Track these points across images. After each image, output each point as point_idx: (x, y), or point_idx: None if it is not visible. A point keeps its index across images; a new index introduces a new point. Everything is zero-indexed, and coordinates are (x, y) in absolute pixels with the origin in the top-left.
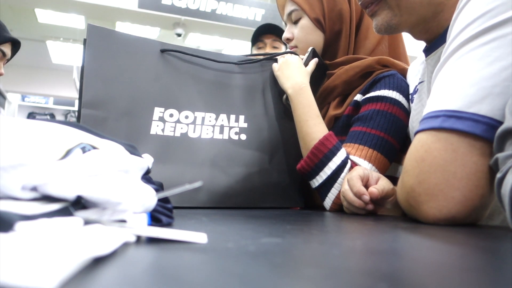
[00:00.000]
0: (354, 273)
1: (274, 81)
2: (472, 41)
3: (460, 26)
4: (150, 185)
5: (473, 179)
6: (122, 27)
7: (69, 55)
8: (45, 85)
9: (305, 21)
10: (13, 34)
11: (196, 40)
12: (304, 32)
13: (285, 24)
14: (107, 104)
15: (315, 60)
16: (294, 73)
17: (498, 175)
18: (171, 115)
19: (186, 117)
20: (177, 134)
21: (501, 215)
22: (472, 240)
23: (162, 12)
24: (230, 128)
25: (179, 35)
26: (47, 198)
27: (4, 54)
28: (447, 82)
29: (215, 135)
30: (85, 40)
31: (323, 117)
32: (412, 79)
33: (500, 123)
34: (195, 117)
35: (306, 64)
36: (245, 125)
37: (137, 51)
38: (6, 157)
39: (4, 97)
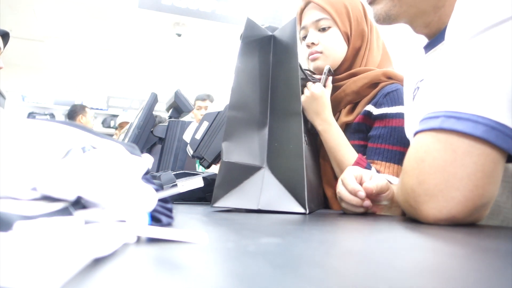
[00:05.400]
0: (354, 273)
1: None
2: (471, 40)
3: (458, 24)
4: (150, 185)
5: (473, 179)
6: (122, 27)
7: (69, 54)
8: (45, 85)
9: (335, 32)
10: (12, 34)
11: (196, 40)
12: (333, 41)
13: (302, 29)
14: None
15: (330, 78)
16: (320, 109)
17: None
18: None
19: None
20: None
21: (500, 214)
22: (472, 240)
23: (162, 12)
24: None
25: (179, 35)
26: (47, 198)
27: None
28: (447, 82)
29: (307, 144)
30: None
31: None
32: (411, 77)
33: (500, 124)
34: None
35: (324, 82)
36: (306, 136)
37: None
38: (6, 157)
39: (4, 97)
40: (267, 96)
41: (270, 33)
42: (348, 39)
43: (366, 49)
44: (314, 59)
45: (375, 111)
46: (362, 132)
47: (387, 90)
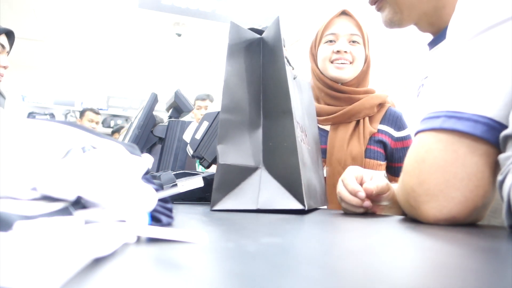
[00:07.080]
0: (354, 273)
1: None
2: (472, 40)
3: (459, 24)
4: (150, 185)
5: (474, 180)
6: (122, 27)
7: (69, 54)
8: (45, 85)
9: (362, 49)
10: None
11: (196, 40)
12: (360, 56)
13: (331, 34)
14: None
15: None
16: None
17: (499, 177)
18: (298, 122)
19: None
20: (298, 139)
21: (502, 214)
22: (472, 240)
23: (162, 12)
24: (303, 137)
25: (179, 35)
26: (47, 198)
27: (3, 46)
28: (447, 82)
29: (304, 143)
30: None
31: (354, 129)
32: (417, 74)
33: (500, 124)
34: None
35: None
36: (303, 135)
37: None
38: (6, 157)
39: (4, 97)
40: (259, 97)
41: (258, 36)
42: (364, 62)
43: (369, 75)
44: (341, 68)
45: (396, 133)
46: (380, 144)
47: (396, 113)
